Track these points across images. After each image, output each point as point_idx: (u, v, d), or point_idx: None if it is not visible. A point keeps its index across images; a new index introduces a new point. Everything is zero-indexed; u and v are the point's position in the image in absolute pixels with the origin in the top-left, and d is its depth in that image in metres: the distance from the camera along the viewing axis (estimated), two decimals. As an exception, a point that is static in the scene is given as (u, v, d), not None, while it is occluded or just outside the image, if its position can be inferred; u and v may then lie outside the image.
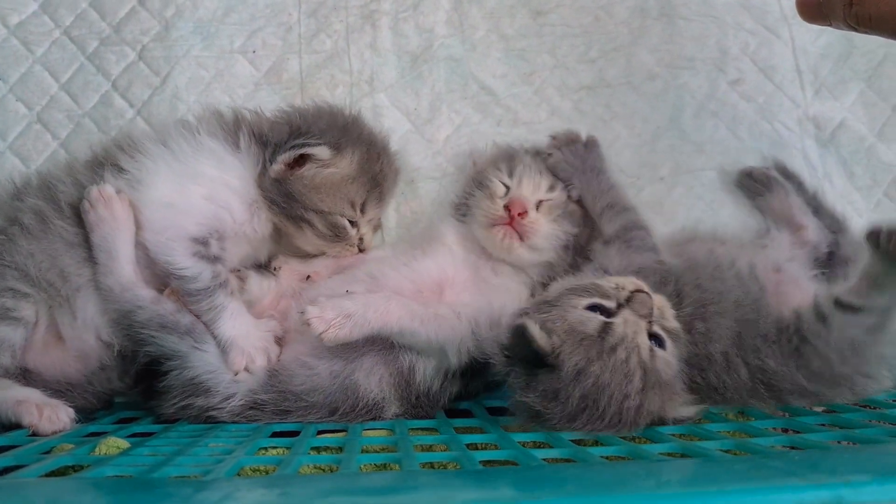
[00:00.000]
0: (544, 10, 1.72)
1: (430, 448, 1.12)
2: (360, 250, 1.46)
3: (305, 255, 1.48)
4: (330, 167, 1.36)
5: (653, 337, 1.14)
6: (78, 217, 1.30)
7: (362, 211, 1.41)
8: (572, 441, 1.10)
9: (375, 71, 1.68)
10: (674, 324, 1.18)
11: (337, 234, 1.40)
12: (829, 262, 1.45)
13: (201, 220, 1.29)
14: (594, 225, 1.45)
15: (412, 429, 1.24)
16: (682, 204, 1.65)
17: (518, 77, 1.70)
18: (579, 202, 1.45)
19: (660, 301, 1.19)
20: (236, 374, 1.26)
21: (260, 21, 1.69)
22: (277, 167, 1.33)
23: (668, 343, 1.15)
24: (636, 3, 1.72)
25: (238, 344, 1.27)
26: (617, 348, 1.09)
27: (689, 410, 1.17)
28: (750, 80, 1.69)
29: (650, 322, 1.14)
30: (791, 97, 1.69)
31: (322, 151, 1.33)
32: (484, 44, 1.71)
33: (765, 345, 1.25)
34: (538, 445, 1.15)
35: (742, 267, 1.32)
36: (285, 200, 1.35)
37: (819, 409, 1.29)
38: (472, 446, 1.13)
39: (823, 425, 1.17)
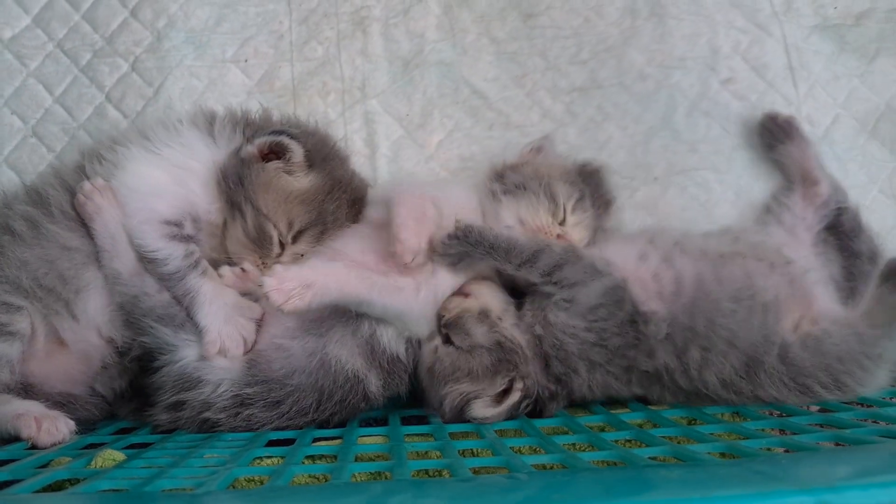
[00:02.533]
0: (535, 13, 1.71)
1: (424, 454, 1.12)
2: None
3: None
4: (292, 175, 1.35)
5: (447, 339, 1.31)
6: (70, 222, 1.31)
7: (294, 239, 1.36)
8: (565, 446, 1.11)
9: (367, 77, 1.68)
10: (454, 313, 1.31)
11: (261, 240, 1.35)
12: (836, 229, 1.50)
13: (174, 203, 1.31)
14: None
15: (408, 434, 1.25)
16: (676, 204, 1.64)
17: (509, 80, 1.70)
18: None
19: (457, 302, 1.32)
20: (206, 358, 1.27)
21: (251, 30, 1.69)
22: (251, 149, 1.33)
23: (453, 337, 1.30)
24: (626, 4, 1.71)
25: (212, 331, 1.27)
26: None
27: (486, 411, 1.27)
28: (742, 79, 1.68)
29: (440, 328, 1.32)
30: (784, 95, 1.68)
31: (297, 151, 1.33)
32: (475, 48, 1.70)
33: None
34: (534, 451, 1.16)
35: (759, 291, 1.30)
36: (235, 182, 1.33)
37: (815, 409, 1.29)
38: (468, 452, 1.15)
39: (819, 426, 1.17)
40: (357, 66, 1.69)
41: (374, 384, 1.30)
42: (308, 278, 1.18)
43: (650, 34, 1.70)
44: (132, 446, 1.22)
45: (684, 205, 1.65)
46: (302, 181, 1.36)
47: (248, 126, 1.41)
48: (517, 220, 1.36)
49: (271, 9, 1.70)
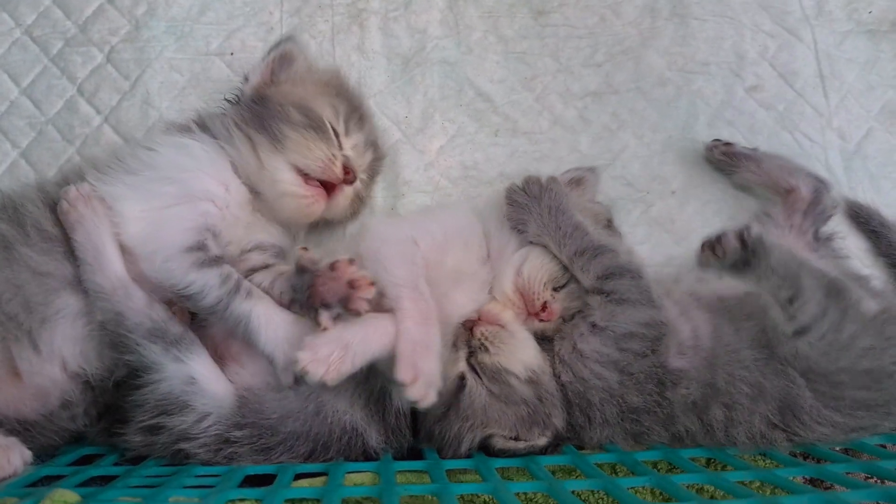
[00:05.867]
0: (546, 10, 1.61)
1: (420, 500, 1.06)
2: (348, 180, 1.29)
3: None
4: (307, 75, 1.38)
5: (472, 368, 1.21)
6: (45, 242, 1.21)
7: (346, 128, 1.32)
8: (576, 493, 1.01)
9: (363, 75, 1.57)
10: (495, 361, 1.20)
11: (317, 126, 1.27)
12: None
13: (187, 225, 1.21)
14: None
15: (399, 471, 1.16)
16: (695, 220, 1.54)
17: (518, 82, 1.59)
18: None
19: (490, 331, 1.22)
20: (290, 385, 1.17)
21: (238, 20, 1.58)
22: (255, 78, 1.34)
23: (484, 378, 1.20)
24: (646, 3, 1.61)
25: (279, 356, 1.17)
26: None
27: (509, 445, 1.20)
28: (769, 87, 1.58)
29: (470, 353, 1.22)
30: (814, 105, 1.58)
31: (299, 50, 1.38)
32: (481, 46, 1.60)
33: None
34: (546, 499, 1.13)
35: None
36: (259, 105, 1.29)
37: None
38: (468, 499, 1.05)
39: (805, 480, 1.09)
40: (353, 63, 1.58)
41: (374, 439, 1.21)
42: (344, 338, 1.10)
43: (671, 36, 1.60)
44: (91, 480, 1.13)
45: (704, 221, 1.54)
46: (316, 75, 1.39)
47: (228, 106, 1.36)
48: (515, 270, 1.28)
49: (261, -2, 1.59)
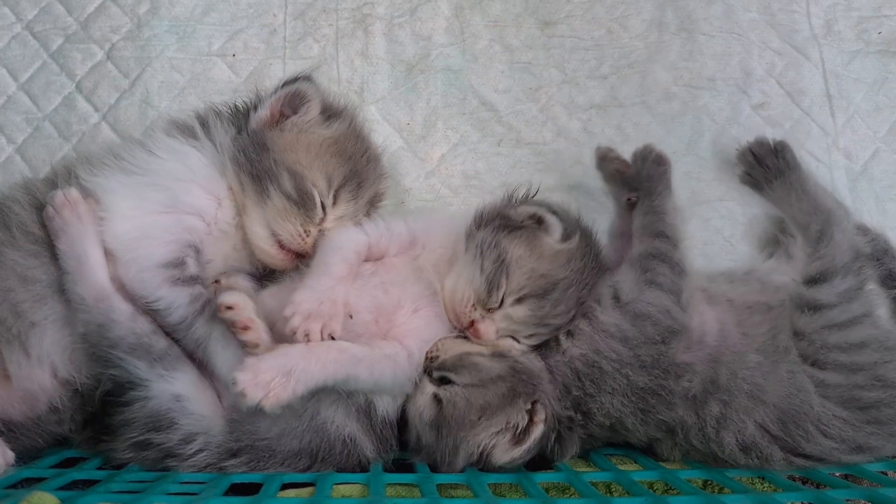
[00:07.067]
0: (553, 21, 1.60)
1: None
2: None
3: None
4: (316, 127, 1.27)
5: (441, 381, 1.18)
6: (32, 245, 1.18)
7: (335, 198, 1.26)
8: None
9: (366, 80, 1.56)
10: (452, 353, 1.19)
11: (303, 201, 1.22)
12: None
13: (169, 238, 1.18)
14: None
15: (389, 484, 1.13)
16: (697, 238, 1.51)
17: (522, 92, 1.58)
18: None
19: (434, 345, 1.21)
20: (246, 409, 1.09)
21: (242, 22, 1.57)
22: (263, 112, 1.24)
23: (452, 376, 1.17)
24: (653, 16, 1.61)
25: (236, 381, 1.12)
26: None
27: (510, 454, 1.16)
28: (775, 104, 1.58)
29: (430, 373, 1.19)
30: (820, 124, 1.57)
31: (315, 99, 1.26)
32: (486, 55, 1.59)
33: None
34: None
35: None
36: (256, 152, 1.23)
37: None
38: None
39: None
40: (356, 68, 1.57)
41: (369, 449, 1.19)
42: (286, 365, 1.06)
43: (678, 50, 1.59)
44: (73, 484, 1.10)
45: (707, 238, 1.53)
46: (325, 131, 1.28)
47: (230, 113, 1.30)
48: (446, 286, 1.23)
49: (264, 0, 1.58)
